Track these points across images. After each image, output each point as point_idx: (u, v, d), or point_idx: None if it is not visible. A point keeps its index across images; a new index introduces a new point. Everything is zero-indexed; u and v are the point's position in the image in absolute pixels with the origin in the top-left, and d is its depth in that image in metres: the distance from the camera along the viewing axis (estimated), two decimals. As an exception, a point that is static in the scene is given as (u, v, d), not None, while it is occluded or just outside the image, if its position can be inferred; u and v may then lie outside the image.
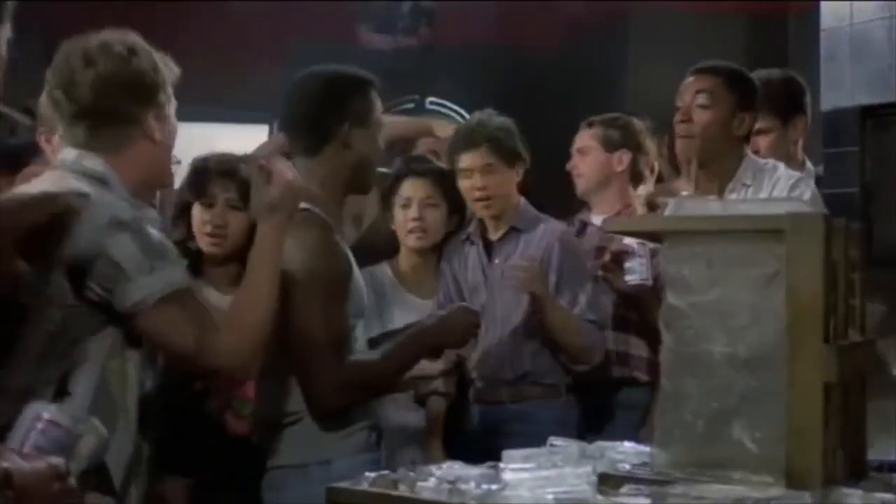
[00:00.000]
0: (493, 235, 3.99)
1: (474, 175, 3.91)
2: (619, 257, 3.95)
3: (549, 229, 3.95)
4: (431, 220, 3.97)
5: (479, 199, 3.93)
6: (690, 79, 3.75)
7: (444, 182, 3.98)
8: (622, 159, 4.25)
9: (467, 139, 3.96)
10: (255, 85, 6.47)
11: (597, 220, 4.13)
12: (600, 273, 4.02)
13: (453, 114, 7.21)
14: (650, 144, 4.34)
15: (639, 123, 4.37)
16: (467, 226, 4.09)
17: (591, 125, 4.32)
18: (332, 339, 3.01)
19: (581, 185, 4.30)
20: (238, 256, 3.29)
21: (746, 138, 3.75)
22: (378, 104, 3.20)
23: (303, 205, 3.03)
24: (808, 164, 4.24)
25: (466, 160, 3.93)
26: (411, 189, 3.95)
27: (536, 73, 7.37)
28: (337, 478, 2.68)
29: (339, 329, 3.04)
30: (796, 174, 3.73)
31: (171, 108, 2.69)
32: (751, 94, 3.75)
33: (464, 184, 3.94)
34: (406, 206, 3.95)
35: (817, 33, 4.37)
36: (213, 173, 3.56)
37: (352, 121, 3.15)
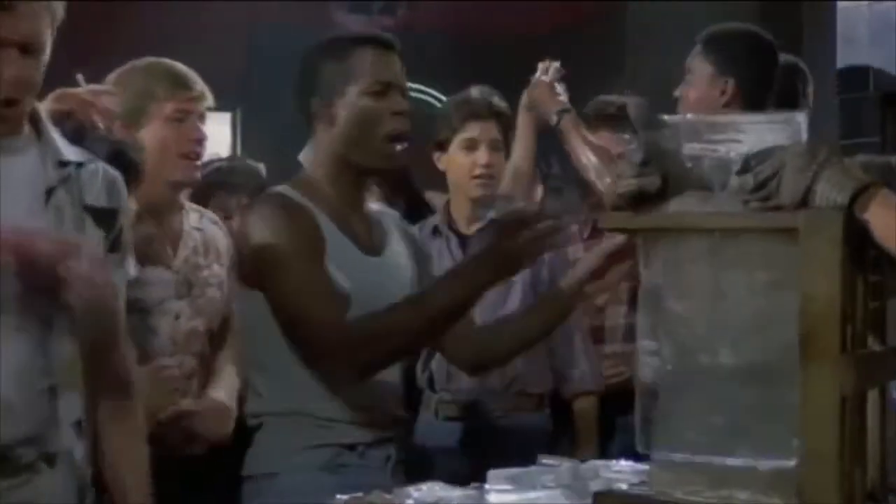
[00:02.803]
0: (468, 228, 3.99)
1: (480, 148, 3.93)
2: None
3: None
4: None
5: (481, 177, 3.94)
6: (698, 50, 3.78)
7: (405, 178, 3.99)
8: None
9: (475, 109, 3.96)
10: (217, 69, 6.47)
11: None
12: None
13: (434, 101, 7.20)
14: None
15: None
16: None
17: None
18: (317, 297, 2.96)
19: None
20: None
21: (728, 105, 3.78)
22: (363, 65, 3.12)
23: (276, 188, 3.08)
24: None
25: (474, 130, 3.93)
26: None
27: (525, 61, 7.37)
28: (278, 493, 2.71)
29: (324, 289, 2.98)
30: None
31: None
32: (728, 55, 3.78)
33: (464, 158, 3.94)
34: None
35: (834, 14, 4.37)
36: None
37: (322, 94, 3.12)
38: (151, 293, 3.40)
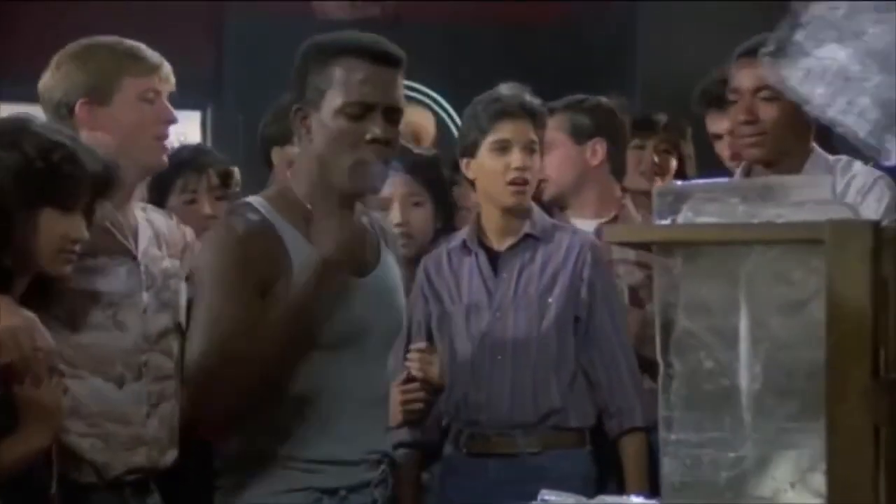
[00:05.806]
0: (500, 244, 3.93)
1: (513, 150, 3.88)
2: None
3: (575, 238, 3.91)
4: (417, 222, 3.94)
5: (516, 182, 3.89)
6: (743, 64, 3.74)
7: (430, 174, 3.94)
8: (596, 150, 4.24)
9: (505, 108, 3.91)
10: (186, 64, 6.45)
11: (582, 224, 4.13)
12: None
13: (427, 99, 7.20)
14: (626, 129, 4.36)
15: (611, 103, 4.37)
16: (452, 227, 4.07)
17: (551, 112, 4.29)
18: (212, 328, 3.06)
19: (550, 188, 4.28)
20: None
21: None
22: (344, 79, 3.05)
23: (248, 199, 3.10)
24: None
25: (505, 131, 3.89)
26: (389, 186, 3.89)
27: (525, 55, 7.36)
28: None
29: (228, 324, 3.03)
30: (875, 172, 3.73)
31: None
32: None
33: (495, 161, 3.89)
34: (383, 207, 3.91)
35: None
36: None
37: (301, 105, 3.09)
38: (119, 285, 3.37)
